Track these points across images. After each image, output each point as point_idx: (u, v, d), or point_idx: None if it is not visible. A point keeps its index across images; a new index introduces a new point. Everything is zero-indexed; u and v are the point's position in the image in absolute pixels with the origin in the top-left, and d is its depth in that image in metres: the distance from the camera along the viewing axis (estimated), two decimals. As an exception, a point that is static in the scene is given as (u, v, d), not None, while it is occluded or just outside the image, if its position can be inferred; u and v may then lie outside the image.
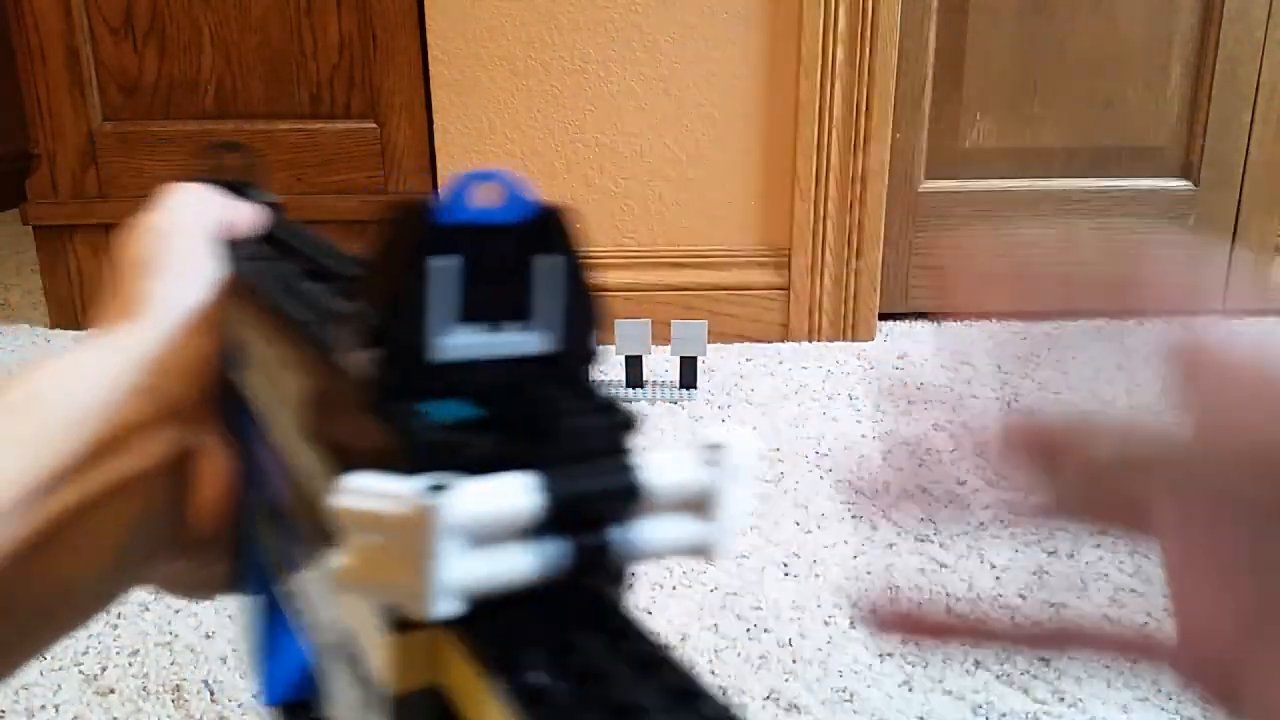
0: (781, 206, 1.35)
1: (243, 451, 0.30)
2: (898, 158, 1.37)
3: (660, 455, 0.16)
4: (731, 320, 1.35)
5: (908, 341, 1.35)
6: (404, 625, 0.16)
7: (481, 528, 0.15)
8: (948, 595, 0.75)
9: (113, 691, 0.66)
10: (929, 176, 1.40)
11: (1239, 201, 1.40)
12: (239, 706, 0.64)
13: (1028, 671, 0.66)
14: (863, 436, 1.04)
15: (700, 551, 0.17)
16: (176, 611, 0.75)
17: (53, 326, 1.46)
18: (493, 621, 0.16)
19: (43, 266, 1.45)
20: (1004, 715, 0.62)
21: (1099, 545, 0.83)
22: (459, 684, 0.16)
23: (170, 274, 0.32)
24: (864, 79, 1.29)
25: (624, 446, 0.17)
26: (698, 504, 0.16)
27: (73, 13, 1.35)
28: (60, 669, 0.68)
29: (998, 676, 0.65)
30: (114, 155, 1.40)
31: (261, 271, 0.29)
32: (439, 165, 1.36)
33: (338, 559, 0.16)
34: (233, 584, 0.33)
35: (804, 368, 1.26)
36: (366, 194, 1.41)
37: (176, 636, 0.72)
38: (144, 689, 0.66)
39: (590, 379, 0.18)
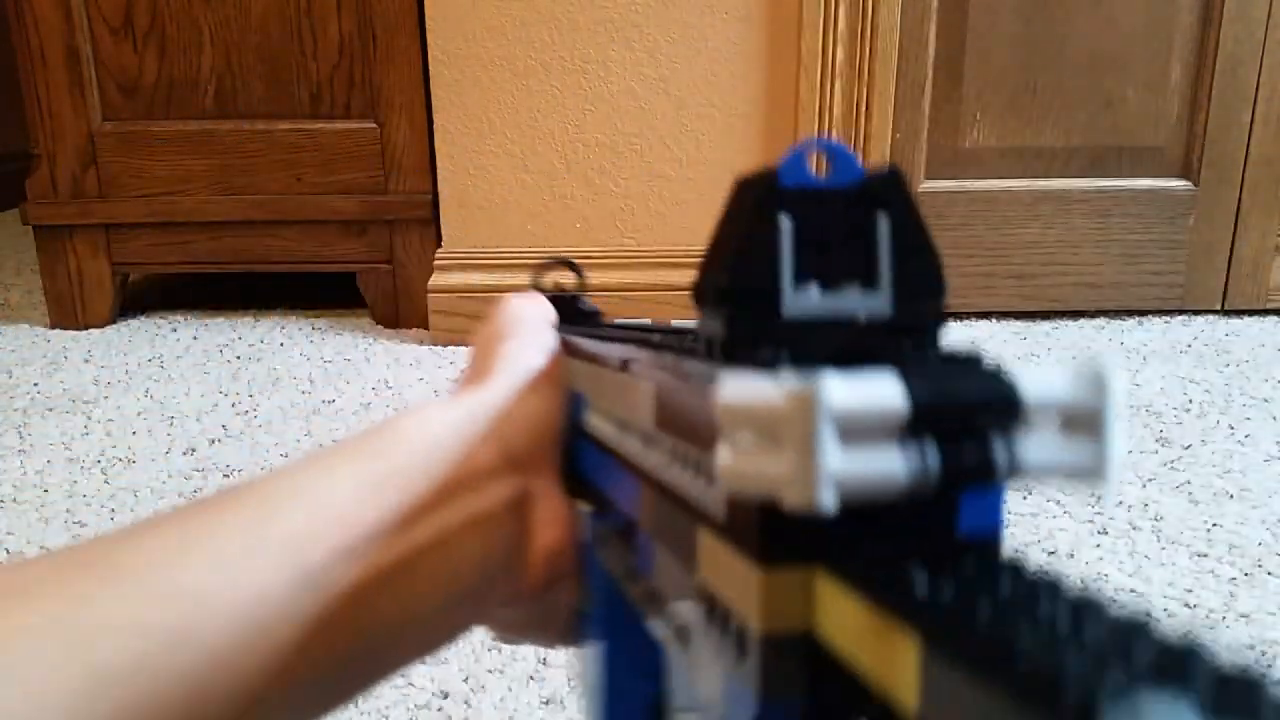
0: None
1: (589, 489, 0.32)
2: (897, 157, 1.37)
3: (1039, 370, 0.16)
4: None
5: (908, 341, 1.35)
6: (777, 561, 0.16)
7: (856, 420, 0.14)
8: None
9: (113, 691, 0.66)
10: (929, 176, 1.40)
11: (1239, 201, 1.40)
12: (239, 706, 0.64)
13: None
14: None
15: (1085, 474, 0.15)
16: (176, 611, 0.75)
17: (52, 326, 1.46)
18: (864, 548, 0.16)
19: (42, 266, 1.45)
20: (1004, 715, 0.62)
21: (1099, 546, 0.83)
22: (840, 627, 0.15)
23: (516, 342, 0.36)
24: (864, 79, 1.29)
25: (1005, 373, 0.16)
26: (1081, 423, 0.15)
27: (73, 12, 1.35)
28: (60, 669, 0.68)
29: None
30: (114, 155, 1.40)
31: (592, 333, 0.32)
32: (439, 165, 1.36)
33: (721, 457, 0.16)
34: (569, 635, 0.35)
35: (804, 368, 1.25)
36: (366, 194, 1.41)
37: (176, 636, 0.72)
38: (144, 689, 0.66)
39: (935, 342, 0.18)
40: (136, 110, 1.40)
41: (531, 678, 0.66)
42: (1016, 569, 0.15)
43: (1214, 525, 0.85)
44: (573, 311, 0.43)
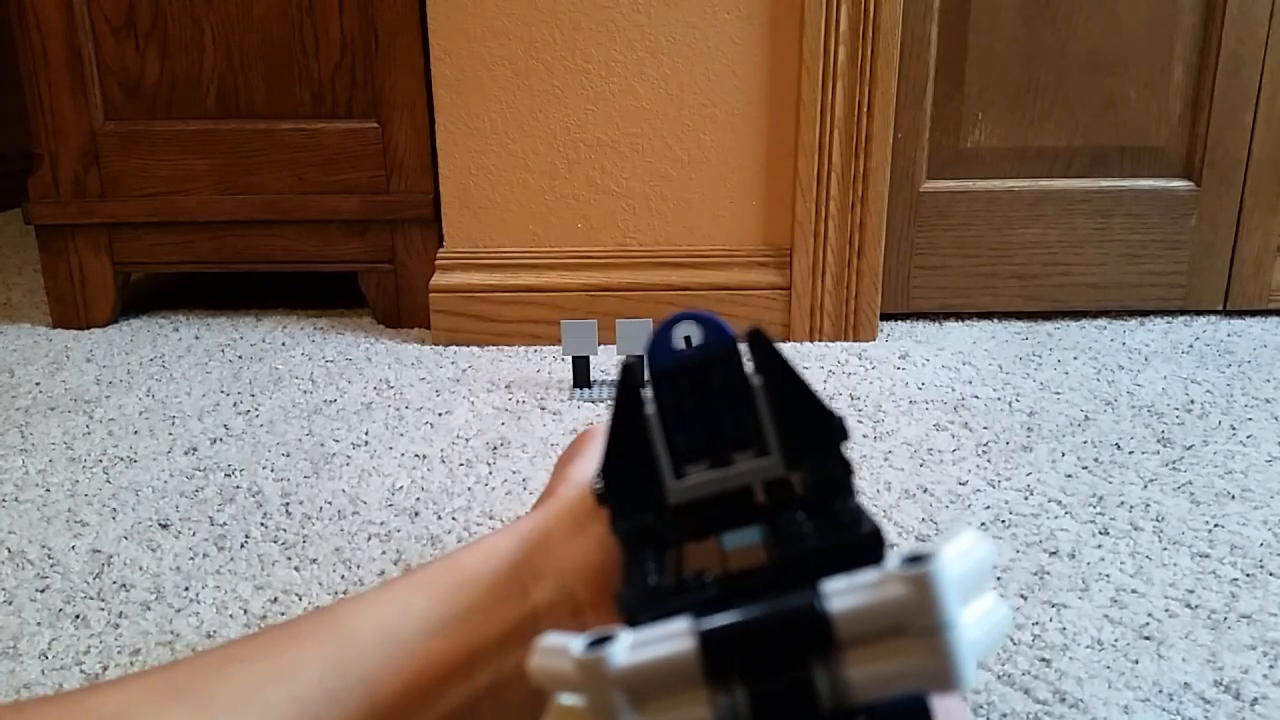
0: (783, 206, 1.35)
1: None
2: (899, 157, 1.37)
3: (851, 580, 0.14)
4: (733, 320, 1.35)
5: (909, 341, 1.35)
6: None
7: (650, 676, 0.14)
8: (949, 595, 0.75)
9: (114, 691, 0.66)
10: (930, 176, 1.40)
11: (1241, 201, 1.39)
12: (240, 706, 0.64)
13: (1029, 672, 0.66)
14: (864, 436, 1.04)
15: (931, 678, 0.14)
16: (178, 611, 0.75)
17: (54, 326, 1.46)
18: None
19: (44, 266, 1.45)
20: (1005, 716, 0.62)
21: (1100, 546, 0.83)
22: None
23: (583, 462, 0.38)
24: (865, 79, 1.29)
25: (853, 567, 0.15)
26: (914, 627, 0.14)
27: (74, 12, 1.35)
28: (61, 668, 0.68)
29: (999, 677, 0.65)
30: (116, 155, 1.40)
31: None
32: (440, 165, 1.36)
33: (550, 708, 0.16)
34: None
35: (805, 368, 1.25)
36: (368, 194, 1.41)
37: (178, 636, 0.72)
38: (145, 688, 0.66)
39: (832, 494, 0.17)
40: (138, 110, 1.40)
41: (532, 677, 0.66)
42: None
43: (1216, 526, 0.85)
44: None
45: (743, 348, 0.18)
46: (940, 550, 0.14)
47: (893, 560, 0.14)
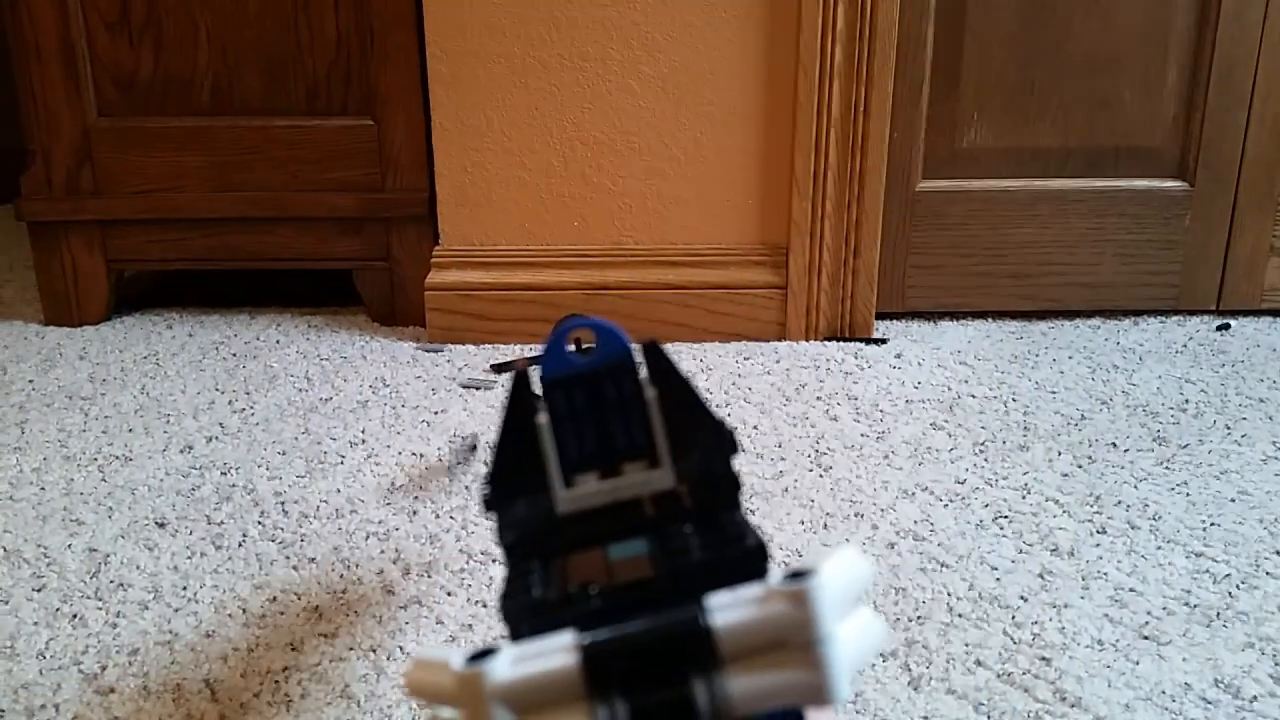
0: (779, 205, 1.35)
1: None
2: (895, 157, 1.37)
3: (735, 595, 0.15)
4: (729, 319, 1.35)
5: (905, 341, 1.35)
6: None
7: (530, 690, 0.14)
8: (949, 595, 0.75)
9: (113, 691, 0.66)
10: (926, 176, 1.40)
11: (1235, 202, 1.40)
12: (240, 706, 0.64)
13: (1029, 671, 0.66)
14: (862, 436, 1.04)
15: (809, 693, 0.14)
16: (176, 610, 0.74)
17: (47, 323, 1.45)
18: None
19: (37, 263, 1.44)
20: (1005, 715, 0.62)
21: (1099, 545, 0.83)
22: None
23: None
24: (862, 79, 1.29)
25: (737, 581, 0.15)
26: (792, 643, 0.14)
27: (68, 8, 1.34)
28: (60, 668, 0.68)
29: (999, 675, 0.65)
30: (109, 151, 1.40)
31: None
32: (436, 162, 1.35)
33: None
34: None
35: (802, 367, 1.26)
36: (363, 191, 1.41)
37: (177, 635, 0.71)
38: (144, 688, 0.66)
39: (720, 507, 0.17)
40: (132, 106, 1.39)
41: (534, 677, 0.66)
42: None
43: (1211, 525, 0.85)
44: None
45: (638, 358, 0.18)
46: (820, 567, 0.14)
47: (775, 576, 0.14)
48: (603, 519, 0.17)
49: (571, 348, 0.16)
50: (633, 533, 0.16)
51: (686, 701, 0.14)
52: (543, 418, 0.16)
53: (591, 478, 0.17)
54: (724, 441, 0.17)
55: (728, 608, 0.14)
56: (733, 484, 0.17)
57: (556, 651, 0.14)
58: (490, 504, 0.17)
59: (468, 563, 0.80)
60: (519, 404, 0.16)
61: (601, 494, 0.17)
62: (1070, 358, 1.28)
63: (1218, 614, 0.73)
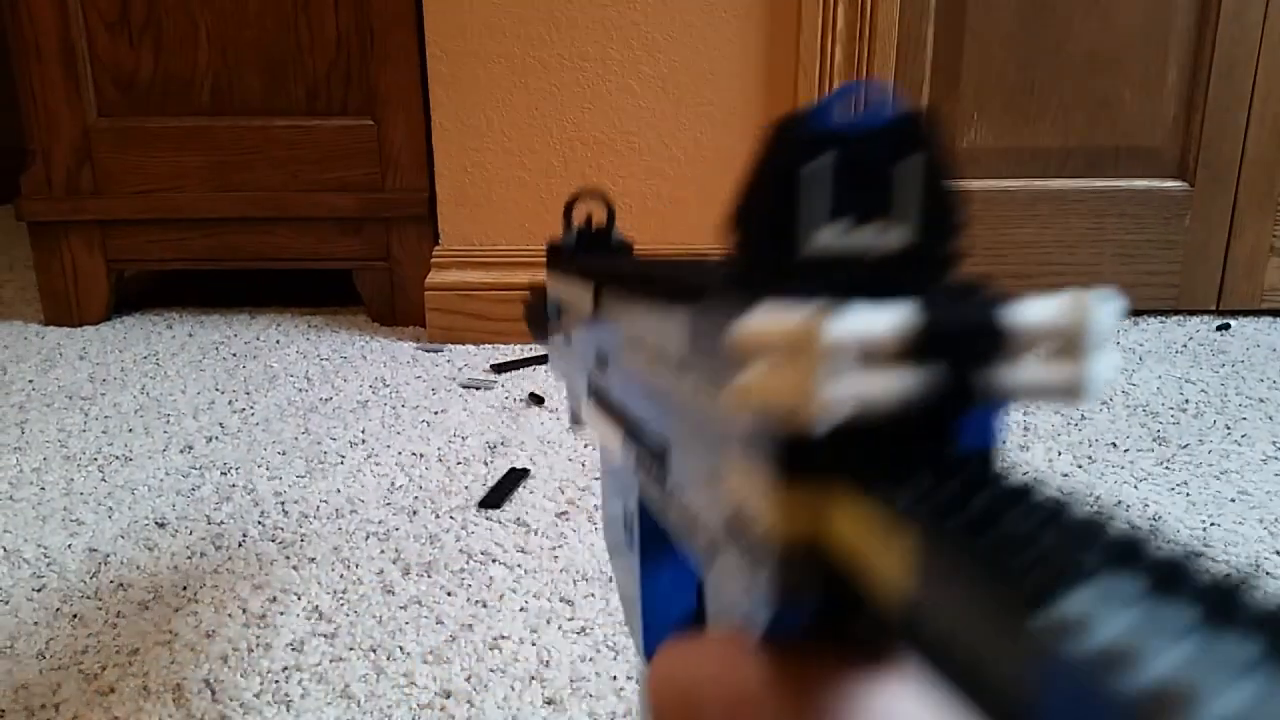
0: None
1: (621, 415, 0.32)
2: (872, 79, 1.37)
3: (1032, 299, 0.17)
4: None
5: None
6: (790, 474, 0.18)
7: (862, 347, 0.16)
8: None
9: (112, 691, 0.66)
10: (926, 176, 1.40)
11: (1234, 202, 1.40)
12: (240, 705, 0.64)
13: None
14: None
15: (1066, 393, 0.17)
16: (176, 610, 0.74)
17: (47, 323, 1.45)
18: (869, 462, 0.17)
19: (37, 263, 1.44)
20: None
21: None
22: (846, 529, 0.17)
23: None
24: (862, 78, 1.29)
25: (994, 301, 0.17)
26: (1067, 347, 0.17)
27: (68, 8, 1.34)
28: (60, 668, 0.68)
29: (999, 676, 0.65)
30: (109, 151, 1.40)
31: (624, 265, 0.33)
32: (436, 162, 1.36)
33: (737, 381, 0.17)
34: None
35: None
36: (363, 191, 1.41)
37: (176, 635, 0.71)
38: (144, 688, 0.66)
39: (951, 275, 0.19)
40: (132, 106, 1.39)
41: (534, 678, 0.66)
42: (997, 476, 0.16)
43: (1211, 524, 0.85)
44: (605, 244, 0.43)
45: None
46: (1097, 299, 0.17)
47: (1057, 297, 0.17)
48: (844, 268, 0.18)
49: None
50: (874, 288, 0.17)
51: (978, 377, 0.16)
52: (810, 161, 0.18)
53: (839, 228, 0.18)
54: (959, 220, 0.19)
55: (1021, 309, 0.17)
56: (957, 255, 0.19)
57: (887, 314, 0.16)
58: (738, 233, 0.19)
59: (468, 563, 0.80)
60: (783, 147, 0.18)
61: (844, 242, 0.18)
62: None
63: (1218, 614, 0.73)
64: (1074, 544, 0.13)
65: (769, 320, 0.17)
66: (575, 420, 0.42)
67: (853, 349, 0.16)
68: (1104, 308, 0.17)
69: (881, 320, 0.16)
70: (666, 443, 0.26)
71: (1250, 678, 0.10)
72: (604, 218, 0.48)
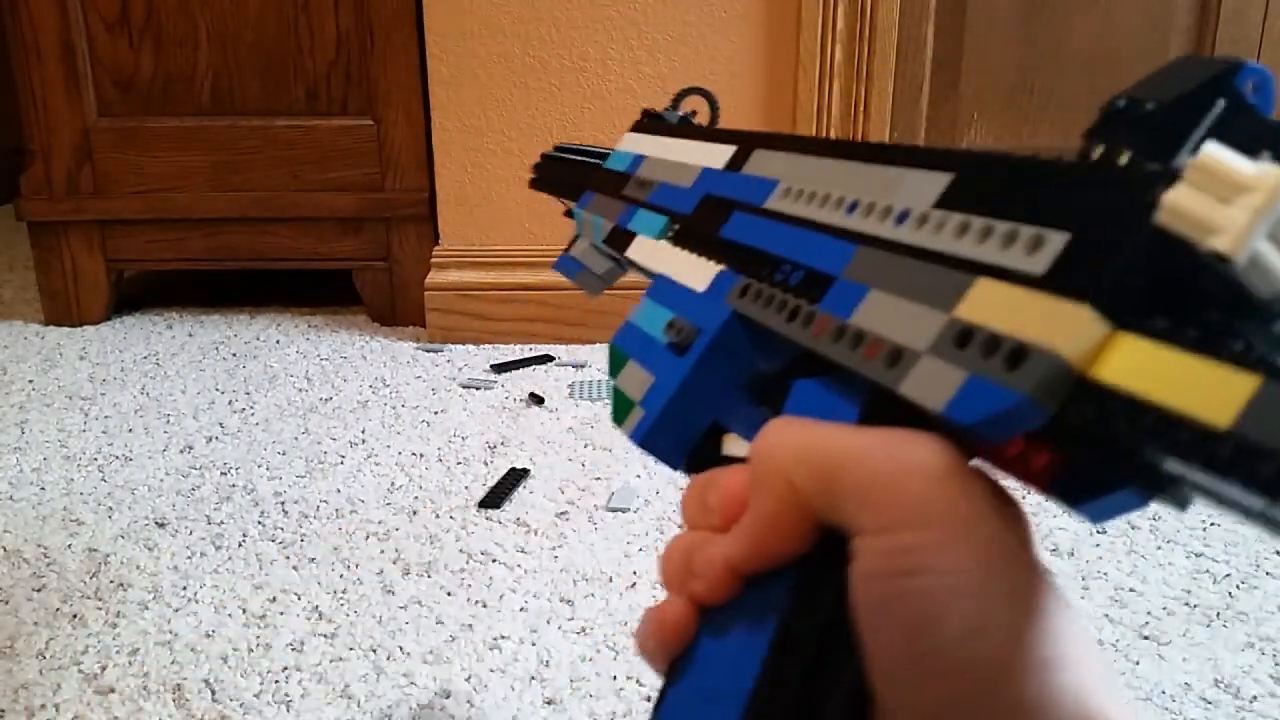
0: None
1: (740, 249, 0.34)
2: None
3: None
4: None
5: (905, 340, 1.35)
6: (1101, 307, 0.19)
7: None
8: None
9: (113, 691, 0.66)
10: (926, 176, 1.40)
11: (1234, 202, 1.40)
12: (240, 705, 0.64)
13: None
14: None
15: None
16: (176, 610, 0.74)
17: (47, 323, 1.45)
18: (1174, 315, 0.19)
19: (37, 263, 1.44)
20: (1005, 714, 0.62)
21: (1099, 545, 0.83)
22: (1152, 369, 0.18)
23: None
24: (862, 78, 1.29)
25: None
26: None
27: (68, 8, 1.34)
28: (60, 668, 0.68)
29: (999, 676, 0.65)
30: (109, 151, 1.40)
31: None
32: (436, 162, 1.35)
33: (1174, 193, 0.19)
34: None
35: (802, 366, 1.26)
36: (363, 191, 1.41)
37: (176, 635, 0.71)
38: (144, 688, 0.66)
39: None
40: (132, 106, 1.39)
41: (534, 678, 0.66)
42: None
43: (1211, 524, 0.85)
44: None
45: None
46: None
47: None
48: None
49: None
50: None
51: None
52: (1222, 103, 0.21)
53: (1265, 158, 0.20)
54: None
55: None
56: None
57: None
58: (1158, 117, 0.21)
59: (467, 563, 0.80)
60: (1214, 81, 0.21)
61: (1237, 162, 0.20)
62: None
63: (1218, 614, 0.73)
64: None
65: (1232, 159, 0.18)
66: (612, 253, 0.45)
67: None
68: None
69: None
70: (829, 274, 0.28)
71: None
72: (708, 115, 0.52)
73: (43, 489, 0.94)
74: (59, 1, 1.33)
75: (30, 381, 1.23)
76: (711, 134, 0.41)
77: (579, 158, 0.55)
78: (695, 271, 0.35)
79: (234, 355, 1.31)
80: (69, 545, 0.84)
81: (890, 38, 1.27)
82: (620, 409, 0.35)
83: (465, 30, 1.30)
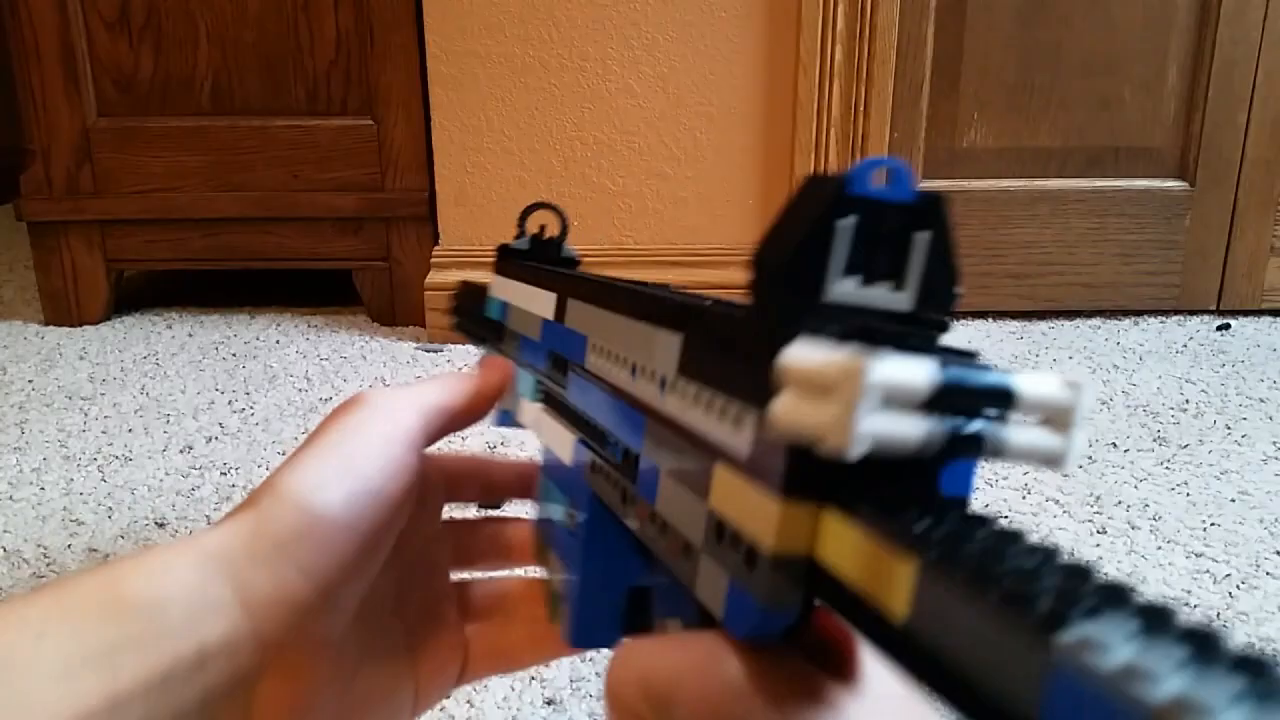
0: (780, 205, 1.35)
1: (578, 418, 0.34)
2: (894, 156, 1.37)
3: (1031, 373, 0.19)
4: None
5: (905, 340, 1.35)
6: (794, 494, 0.20)
7: (891, 390, 0.17)
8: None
9: (112, 691, 0.65)
10: (926, 176, 1.40)
11: (1235, 202, 1.40)
12: (240, 706, 0.64)
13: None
14: (861, 435, 1.04)
15: (1050, 461, 0.19)
16: (176, 610, 0.74)
17: (46, 323, 1.45)
18: (864, 493, 0.19)
19: (37, 263, 1.44)
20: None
21: (1099, 545, 0.83)
22: (842, 551, 0.19)
23: (306, 466, 0.31)
24: (862, 78, 1.29)
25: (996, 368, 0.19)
26: (1056, 419, 0.19)
27: (68, 8, 1.34)
28: (59, 668, 0.68)
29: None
30: (109, 151, 1.40)
31: (585, 279, 0.35)
32: (436, 162, 1.36)
33: (777, 405, 0.19)
34: None
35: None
36: (363, 191, 1.41)
37: (176, 635, 0.71)
38: (144, 688, 0.66)
39: (940, 338, 0.21)
40: (132, 106, 1.39)
41: (534, 678, 0.66)
42: (985, 520, 0.18)
43: (1211, 525, 0.85)
44: (555, 256, 0.47)
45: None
46: (1086, 380, 0.19)
47: (1054, 375, 0.19)
48: (851, 316, 0.21)
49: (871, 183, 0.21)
50: (890, 339, 0.20)
51: (982, 432, 0.18)
52: (845, 221, 0.20)
53: (852, 283, 0.21)
54: (953, 293, 0.21)
55: (1025, 380, 0.18)
56: (947, 324, 0.21)
57: (919, 366, 0.17)
58: (770, 274, 0.21)
59: (468, 563, 0.80)
60: (827, 203, 0.20)
61: (857, 296, 0.21)
62: (1070, 358, 1.28)
63: (1218, 614, 0.72)
64: (1073, 582, 0.15)
65: (815, 354, 0.19)
66: (505, 420, 0.45)
67: (886, 392, 0.17)
68: (1088, 391, 0.19)
69: (915, 370, 0.18)
70: (635, 451, 0.28)
71: (1240, 707, 0.12)
72: (558, 229, 0.51)
73: (43, 489, 0.94)
74: (59, 1, 1.33)
75: (30, 381, 1.23)
76: (540, 278, 0.41)
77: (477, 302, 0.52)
78: (562, 442, 0.36)
79: (234, 355, 1.31)
80: (69, 545, 0.84)
81: (890, 38, 1.27)
82: (553, 607, 0.37)
83: (465, 30, 1.30)
